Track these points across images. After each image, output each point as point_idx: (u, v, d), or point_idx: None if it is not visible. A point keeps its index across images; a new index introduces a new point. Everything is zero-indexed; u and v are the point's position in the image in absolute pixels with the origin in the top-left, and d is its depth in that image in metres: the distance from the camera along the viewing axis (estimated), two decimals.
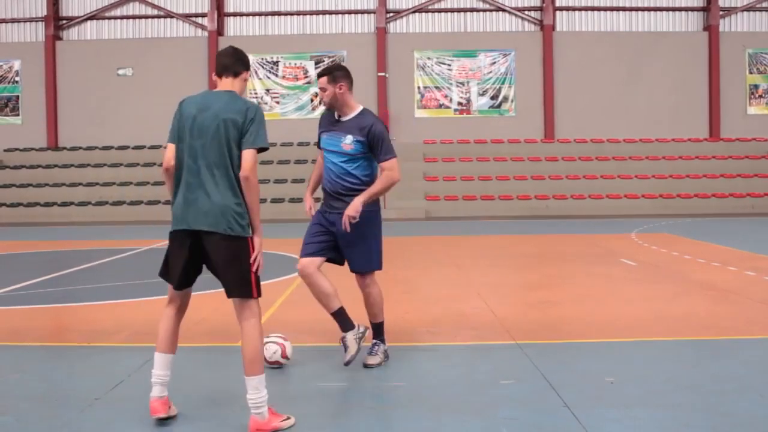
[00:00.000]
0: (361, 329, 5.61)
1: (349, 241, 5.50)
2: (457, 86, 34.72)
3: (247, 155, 4.14)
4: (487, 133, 34.00)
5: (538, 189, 31.39)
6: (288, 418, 4.25)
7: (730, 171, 32.23)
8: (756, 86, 34.91)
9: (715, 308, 8.18)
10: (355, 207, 5.29)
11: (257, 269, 4.22)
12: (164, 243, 16.15)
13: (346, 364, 5.40)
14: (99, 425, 4.32)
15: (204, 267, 4.32)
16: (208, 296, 9.60)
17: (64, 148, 34.33)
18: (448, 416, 4.37)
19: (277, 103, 34.81)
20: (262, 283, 4.32)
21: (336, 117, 5.56)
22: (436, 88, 34.59)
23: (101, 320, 7.76)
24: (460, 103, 34.86)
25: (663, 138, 33.90)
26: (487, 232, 21.59)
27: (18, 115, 35.82)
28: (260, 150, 4.22)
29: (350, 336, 5.49)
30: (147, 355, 5.94)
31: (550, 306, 8.45)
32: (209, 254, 4.19)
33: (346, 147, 5.46)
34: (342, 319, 5.54)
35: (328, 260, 5.64)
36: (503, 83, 34.75)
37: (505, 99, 34.77)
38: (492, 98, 34.75)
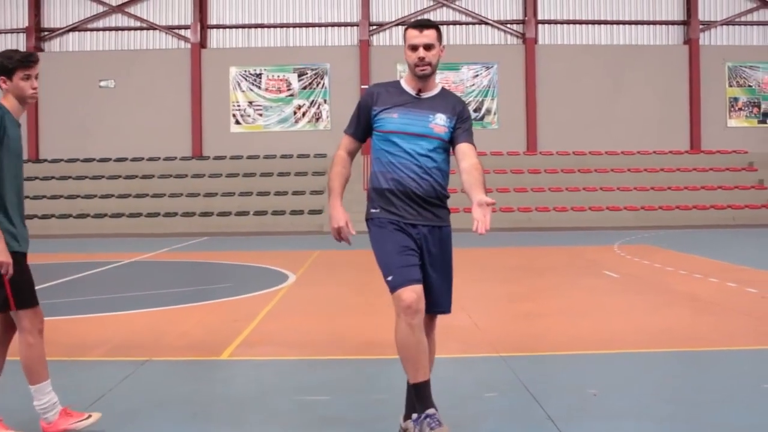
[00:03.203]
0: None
1: (437, 268, 4.08)
2: None
3: None
4: None
5: (520, 201, 31.50)
6: (87, 417, 4.33)
7: (711, 183, 32.49)
8: (736, 99, 35.27)
9: (697, 320, 8.22)
10: (487, 206, 3.75)
11: (8, 281, 4.14)
12: (146, 256, 15.99)
13: None
14: None
15: None
16: (190, 309, 9.54)
17: (45, 160, 34.09)
18: None
19: (260, 115, 34.76)
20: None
21: (414, 91, 4.08)
22: None
23: (82, 334, 7.68)
24: None
25: (645, 150, 34.14)
26: (470, 244, 21.57)
27: None
28: None
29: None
30: (128, 370, 5.88)
31: (533, 318, 8.45)
32: None
33: (439, 129, 4.02)
34: (426, 394, 3.96)
35: None
36: (486, 96, 34.90)
37: (488, 111, 34.91)
38: (475, 111, 34.85)
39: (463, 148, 4.04)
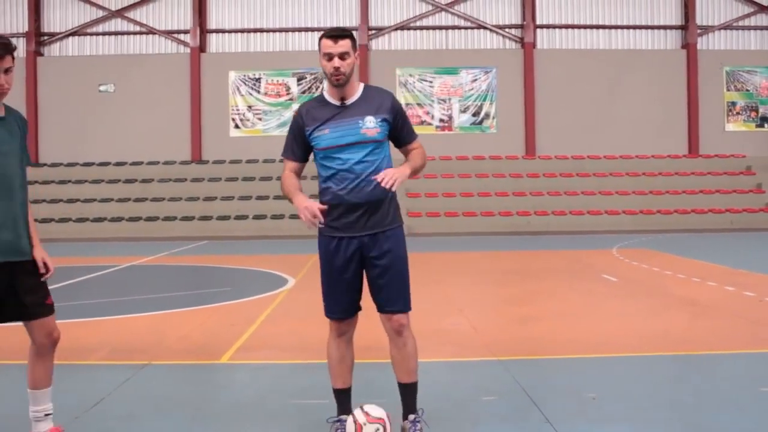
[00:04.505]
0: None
1: (386, 270, 4.19)
2: (439, 103, 34.87)
3: None
4: (469, 150, 34.14)
5: (519, 205, 31.52)
6: None
7: (709, 187, 32.54)
8: (733, 103, 35.32)
9: (695, 323, 8.24)
10: (403, 171, 4.02)
11: None
12: (145, 260, 15.96)
13: None
14: None
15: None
16: (189, 313, 9.56)
17: (45, 164, 34.09)
18: None
19: (260, 119, 34.80)
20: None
21: (338, 102, 4.13)
22: (418, 104, 34.70)
23: (81, 338, 7.68)
24: (441, 120, 34.99)
25: (643, 154, 34.16)
26: (468, 248, 21.62)
27: None
28: None
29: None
30: (127, 374, 5.90)
31: (531, 322, 8.47)
32: None
33: (371, 132, 4.08)
34: (342, 400, 4.45)
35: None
36: (485, 100, 34.93)
37: (487, 116, 34.95)
38: (473, 115, 34.92)
39: (411, 147, 4.29)
